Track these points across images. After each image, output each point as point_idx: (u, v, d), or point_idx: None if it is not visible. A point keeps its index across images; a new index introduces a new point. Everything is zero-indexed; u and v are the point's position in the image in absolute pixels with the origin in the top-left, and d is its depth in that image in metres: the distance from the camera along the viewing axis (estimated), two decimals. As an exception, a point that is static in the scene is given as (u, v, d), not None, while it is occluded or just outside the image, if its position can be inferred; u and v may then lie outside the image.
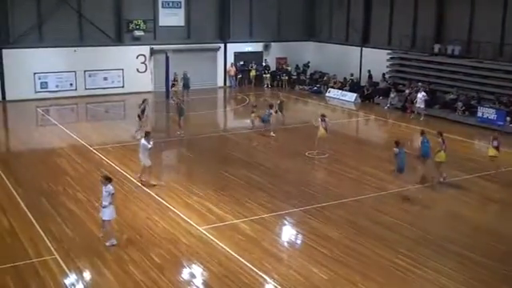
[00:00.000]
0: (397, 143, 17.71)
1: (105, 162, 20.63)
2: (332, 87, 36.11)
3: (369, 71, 35.97)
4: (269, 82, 38.73)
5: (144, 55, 35.63)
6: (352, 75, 36.33)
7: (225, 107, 33.61)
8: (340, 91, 35.18)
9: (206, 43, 37.59)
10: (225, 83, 38.77)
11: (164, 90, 34.33)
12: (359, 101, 33.88)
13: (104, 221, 13.73)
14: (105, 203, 13.49)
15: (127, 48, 35.03)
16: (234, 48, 38.69)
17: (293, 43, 40.43)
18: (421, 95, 29.39)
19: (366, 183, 18.83)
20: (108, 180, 13.63)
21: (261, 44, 39.69)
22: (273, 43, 39.89)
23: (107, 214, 13.56)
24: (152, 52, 35.71)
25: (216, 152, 23.16)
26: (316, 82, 37.95)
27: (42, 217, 15.46)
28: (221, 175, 19.58)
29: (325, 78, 37.71)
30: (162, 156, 22.69)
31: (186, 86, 33.17)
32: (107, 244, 13.61)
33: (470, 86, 30.00)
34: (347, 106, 33.34)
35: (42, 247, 13.64)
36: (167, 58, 34.08)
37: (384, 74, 34.64)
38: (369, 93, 34.09)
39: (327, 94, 36.02)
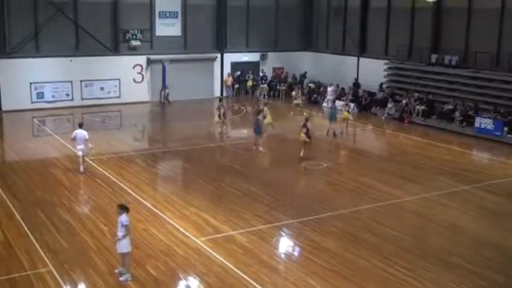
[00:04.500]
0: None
1: (100, 172, 20.55)
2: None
3: (355, 79, 36.14)
4: (265, 93, 38.69)
5: (141, 65, 35.62)
6: (338, 85, 36.58)
7: (221, 117, 33.48)
8: (337, 101, 35.12)
9: (203, 53, 37.64)
10: (221, 93, 38.76)
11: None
12: (356, 111, 33.87)
13: (120, 254, 12.65)
14: (119, 235, 12.34)
15: (124, 58, 35.04)
16: (230, 58, 38.74)
17: (290, 53, 40.53)
18: (330, 89, 35.24)
19: (364, 194, 18.80)
20: (123, 209, 12.37)
21: (257, 54, 39.78)
22: (270, 53, 39.99)
23: (121, 246, 12.39)
24: (149, 62, 35.71)
25: (213, 163, 23.08)
26: (313, 93, 37.96)
27: (37, 228, 15.37)
28: (218, 186, 19.54)
29: (321, 89, 37.77)
30: (158, 166, 22.67)
31: None
32: (121, 279, 12.48)
33: (467, 96, 30.06)
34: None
35: (36, 259, 13.54)
36: (164, 68, 34.10)
37: (381, 84, 34.69)
38: (366, 103, 34.14)
39: (324, 104, 36.02)
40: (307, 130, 22.62)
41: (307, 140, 22.69)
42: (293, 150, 23.92)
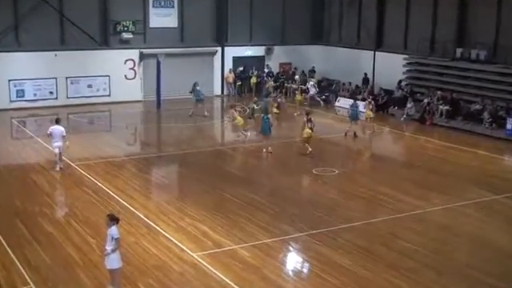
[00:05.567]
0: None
1: (87, 179, 20.63)
2: (343, 96, 36.25)
3: (365, 74, 36.32)
4: (271, 91, 38.60)
5: (133, 60, 35.76)
6: (350, 83, 36.91)
7: (222, 118, 33.60)
8: (351, 101, 35.12)
9: (202, 47, 37.74)
10: (222, 91, 38.87)
11: (155, 98, 34.35)
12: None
13: (109, 271, 12.42)
14: (108, 249, 12.15)
15: (114, 52, 35.17)
16: (232, 52, 38.86)
17: (298, 47, 40.59)
18: (310, 84, 36.07)
19: (380, 204, 18.79)
20: (113, 220, 12.26)
21: (262, 48, 39.84)
22: (276, 47, 40.05)
23: (110, 262, 12.20)
24: (142, 56, 35.84)
25: (212, 168, 23.12)
26: (324, 90, 38.03)
27: (17, 241, 15.38)
28: (217, 194, 19.56)
29: (333, 86, 37.85)
30: (151, 172, 22.72)
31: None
32: None
33: (497, 94, 30.00)
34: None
35: (15, 276, 13.54)
36: (158, 64, 34.16)
37: (400, 82, 34.69)
38: (383, 102, 34.10)
39: (336, 104, 36.08)
40: (313, 124, 24.10)
41: (310, 136, 23.91)
42: (301, 154, 23.96)
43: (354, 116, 28.09)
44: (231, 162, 24.33)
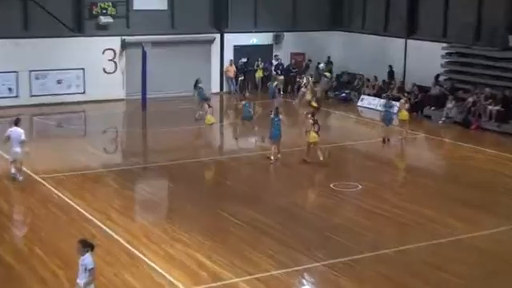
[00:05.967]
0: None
1: (55, 195, 20.60)
2: (368, 94, 36.26)
3: (390, 67, 36.67)
4: (281, 87, 38.51)
5: (113, 50, 35.86)
6: (376, 78, 37.24)
7: (221, 121, 33.56)
8: (377, 99, 35.15)
9: (197, 34, 37.83)
10: (221, 88, 38.88)
11: (140, 97, 34.30)
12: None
13: None
14: (80, 282, 12.06)
15: (90, 40, 35.27)
16: (233, 40, 38.98)
17: (313, 34, 40.65)
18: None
19: (414, 227, 18.76)
20: (86, 247, 12.19)
21: (270, 35, 39.90)
22: (286, 34, 40.08)
23: None
24: (124, 45, 35.94)
25: (209, 183, 23.14)
26: (344, 87, 38.10)
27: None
28: (215, 215, 19.55)
29: (356, 82, 37.92)
30: (135, 188, 22.69)
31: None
32: None
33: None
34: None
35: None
36: (144, 54, 34.16)
37: (438, 76, 34.62)
38: (416, 101, 33.98)
39: (359, 103, 36.03)
40: (319, 127, 24.24)
41: (316, 141, 24.17)
42: (315, 165, 23.89)
43: (389, 119, 28.36)
44: (232, 175, 24.28)
